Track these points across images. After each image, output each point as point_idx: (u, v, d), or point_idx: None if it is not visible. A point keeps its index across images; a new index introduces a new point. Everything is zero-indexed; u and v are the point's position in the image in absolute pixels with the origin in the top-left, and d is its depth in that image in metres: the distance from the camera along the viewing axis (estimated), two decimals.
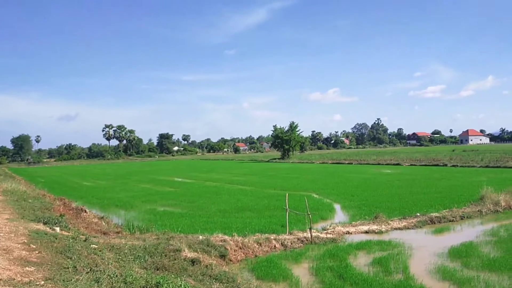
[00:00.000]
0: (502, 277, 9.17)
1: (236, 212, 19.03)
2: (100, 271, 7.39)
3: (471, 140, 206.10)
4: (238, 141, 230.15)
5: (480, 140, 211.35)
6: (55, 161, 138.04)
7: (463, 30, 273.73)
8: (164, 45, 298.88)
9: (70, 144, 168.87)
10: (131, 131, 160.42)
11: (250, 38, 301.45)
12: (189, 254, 10.31)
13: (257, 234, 13.32)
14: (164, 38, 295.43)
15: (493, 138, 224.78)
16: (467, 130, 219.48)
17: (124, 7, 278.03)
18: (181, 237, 12.16)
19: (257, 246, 12.10)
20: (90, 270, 7.37)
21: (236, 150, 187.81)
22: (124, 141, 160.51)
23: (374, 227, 14.96)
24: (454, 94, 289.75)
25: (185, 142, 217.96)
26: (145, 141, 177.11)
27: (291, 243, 12.66)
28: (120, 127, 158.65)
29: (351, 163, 60.45)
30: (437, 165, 48.78)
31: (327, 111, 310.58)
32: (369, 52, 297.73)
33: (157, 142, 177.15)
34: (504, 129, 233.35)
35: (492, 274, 9.40)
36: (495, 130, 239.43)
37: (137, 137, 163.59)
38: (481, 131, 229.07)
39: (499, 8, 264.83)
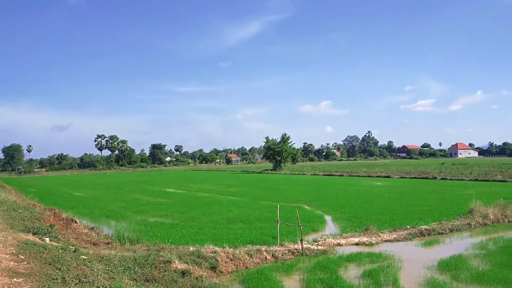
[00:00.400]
0: None
1: (227, 223, 18.99)
2: (89, 282, 7.35)
3: (460, 153, 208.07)
4: (231, 152, 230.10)
5: (469, 153, 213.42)
6: (46, 171, 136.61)
7: (454, 46, 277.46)
8: (159, 56, 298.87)
9: (61, 154, 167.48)
10: (124, 141, 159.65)
11: (243, 51, 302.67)
12: (179, 265, 10.28)
13: (248, 245, 13.32)
14: (159, 49, 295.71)
15: (481, 152, 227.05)
16: (456, 144, 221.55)
17: (119, 17, 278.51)
18: (171, 248, 12.11)
19: (248, 257, 12.09)
20: (79, 281, 7.33)
21: (229, 161, 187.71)
22: (116, 151, 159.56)
23: (364, 239, 15.02)
24: (443, 108, 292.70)
25: (178, 152, 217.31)
26: (137, 152, 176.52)
27: (282, 255, 12.66)
28: (113, 137, 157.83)
29: (342, 175, 60.65)
30: (426, 178, 49.11)
31: (319, 123, 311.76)
32: (360, 66, 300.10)
33: (150, 153, 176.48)
34: (493, 143, 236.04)
35: (481, 287, 9.48)
36: (483, 144, 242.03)
37: (130, 147, 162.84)
38: (470, 144, 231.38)
39: (488, 25, 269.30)
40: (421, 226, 16.64)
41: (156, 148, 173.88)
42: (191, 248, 12.09)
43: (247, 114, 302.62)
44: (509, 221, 18.10)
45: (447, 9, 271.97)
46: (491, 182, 40.68)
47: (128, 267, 9.85)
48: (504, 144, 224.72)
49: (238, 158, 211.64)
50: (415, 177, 50.46)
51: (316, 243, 14.29)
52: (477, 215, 18.11)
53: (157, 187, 45.50)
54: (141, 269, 9.87)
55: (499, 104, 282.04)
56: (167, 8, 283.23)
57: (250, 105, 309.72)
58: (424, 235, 15.71)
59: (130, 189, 43.38)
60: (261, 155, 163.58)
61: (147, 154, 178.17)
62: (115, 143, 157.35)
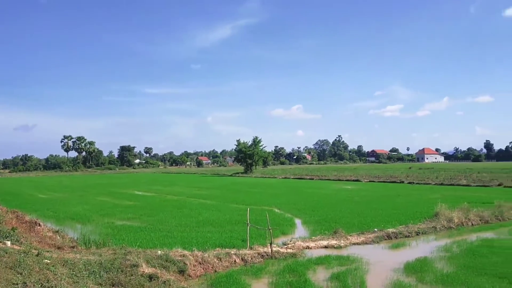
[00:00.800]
0: None
1: (197, 226, 18.81)
2: (52, 287, 7.11)
3: (427, 158, 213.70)
4: (201, 155, 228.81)
5: (435, 158, 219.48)
6: (9, 172, 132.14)
7: (422, 53, 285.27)
8: (128, 57, 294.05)
9: (26, 155, 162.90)
10: (91, 143, 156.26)
11: (216, 54, 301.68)
12: (146, 269, 10.08)
13: (217, 249, 13.21)
14: (128, 50, 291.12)
15: (447, 157, 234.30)
16: (423, 149, 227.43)
17: (90, 18, 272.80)
18: (139, 252, 11.89)
19: (217, 261, 11.98)
20: (41, 286, 7.09)
21: (199, 164, 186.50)
22: (84, 153, 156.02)
23: (333, 242, 15.16)
24: (411, 114, 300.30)
25: (147, 155, 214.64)
26: (105, 153, 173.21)
27: (252, 258, 12.62)
28: (80, 139, 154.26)
29: (313, 179, 61.19)
30: (394, 182, 50.17)
31: (291, 127, 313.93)
32: (332, 70, 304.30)
33: (118, 155, 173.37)
34: (458, 148, 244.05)
35: None
36: (449, 149, 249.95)
37: (97, 149, 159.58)
38: (437, 149, 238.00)
39: (455, 34, 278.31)
40: (389, 229, 16.94)
41: (125, 150, 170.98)
42: (159, 252, 11.89)
43: (219, 117, 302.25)
44: (472, 225, 18.64)
45: (417, 18, 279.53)
46: (456, 186, 41.89)
47: (93, 271, 9.60)
48: (469, 149, 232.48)
49: (209, 161, 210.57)
50: (383, 181, 51.44)
51: (286, 246, 14.32)
52: (442, 218, 18.59)
53: (125, 190, 44.68)
54: (107, 273, 9.64)
55: (464, 111, 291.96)
56: (137, 10, 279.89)
57: (222, 108, 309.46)
58: (391, 238, 16.00)
59: (97, 192, 42.42)
60: (233, 158, 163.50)
61: (116, 156, 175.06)
62: (83, 144, 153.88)
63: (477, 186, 41.17)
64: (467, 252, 13.29)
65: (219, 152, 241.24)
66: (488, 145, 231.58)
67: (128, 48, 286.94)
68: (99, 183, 61.94)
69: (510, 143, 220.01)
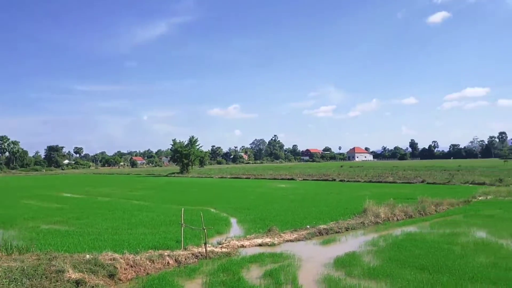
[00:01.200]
0: (380, 284, 9.96)
1: (129, 228, 18.23)
2: None
3: (357, 157, 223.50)
4: (136, 155, 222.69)
5: (365, 157, 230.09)
6: None
7: (354, 55, 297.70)
8: (57, 52, 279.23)
9: None
10: (15, 143, 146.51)
11: (151, 51, 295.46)
12: (73, 275, 9.62)
13: (150, 251, 12.89)
14: (57, 45, 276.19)
15: (376, 155, 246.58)
16: (354, 148, 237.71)
17: (20, 13, 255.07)
18: (65, 256, 11.29)
19: (150, 263, 11.70)
20: None
21: (133, 164, 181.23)
22: (7, 153, 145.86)
23: (267, 240, 15.36)
24: (343, 114, 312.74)
25: (77, 155, 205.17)
26: (31, 154, 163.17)
27: (186, 259, 12.45)
28: (2, 138, 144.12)
29: (249, 178, 61.74)
30: (327, 180, 51.91)
31: (228, 126, 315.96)
32: (267, 71, 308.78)
33: (45, 155, 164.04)
34: (385, 147, 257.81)
35: (371, 281, 10.16)
36: (378, 148, 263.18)
37: (22, 149, 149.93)
38: (366, 148, 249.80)
39: (385, 37, 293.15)
40: (320, 226, 17.47)
41: (53, 150, 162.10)
42: (88, 256, 11.39)
43: (154, 116, 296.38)
44: (397, 219, 19.70)
45: (348, 22, 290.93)
46: (383, 183, 44.17)
47: (14, 278, 9.02)
48: (395, 148, 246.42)
49: (144, 161, 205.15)
50: (316, 179, 53.03)
51: (220, 246, 14.29)
52: (370, 214, 19.50)
53: (52, 192, 42.32)
54: (30, 280, 9.09)
55: (391, 112, 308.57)
56: (68, 5, 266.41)
57: (158, 107, 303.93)
58: (323, 234, 16.52)
59: (21, 195, 39.76)
60: (168, 158, 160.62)
61: (43, 156, 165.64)
62: (5, 144, 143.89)
63: (402, 183, 43.70)
64: (392, 245, 14.03)
65: (154, 152, 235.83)
66: (413, 144, 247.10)
67: (59, 44, 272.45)
68: (24, 185, 58.17)
69: (432, 142, 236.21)
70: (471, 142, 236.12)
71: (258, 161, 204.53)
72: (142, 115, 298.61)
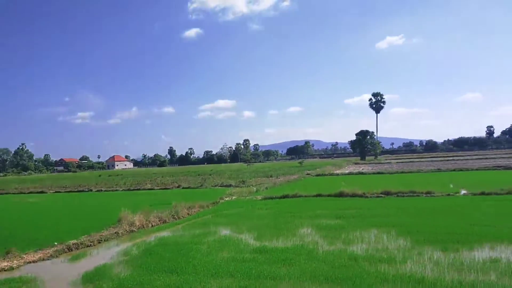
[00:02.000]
0: None
1: None
2: None
3: (117, 165, 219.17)
4: None
5: (125, 165, 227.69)
6: None
7: (112, 61, 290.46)
8: None
9: None
10: None
11: None
12: None
13: None
14: None
15: (136, 163, 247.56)
16: (114, 156, 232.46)
17: None
18: None
19: None
20: None
21: None
22: None
23: (4, 264, 13.35)
24: (103, 121, 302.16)
25: None
26: None
27: None
28: None
29: None
30: (83, 191, 48.78)
31: None
32: (17, 74, 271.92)
33: None
34: (146, 155, 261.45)
35: None
36: (138, 155, 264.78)
37: None
38: (126, 156, 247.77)
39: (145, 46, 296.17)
40: (70, 241, 16.20)
41: None
42: None
43: None
44: (152, 226, 20.02)
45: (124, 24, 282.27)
46: (142, 190, 44.27)
47: None
48: (155, 155, 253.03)
49: None
50: (71, 191, 49.26)
51: None
52: (125, 223, 19.22)
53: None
54: None
55: (152, 120, 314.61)
56: None
57: None
58: (72, 250, 15.39)
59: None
60: None
61: None
62: None
63: (160, 189, 44.75)
64: (145, 252, 14.13)
65: None
66: (171, 151, 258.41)
67: None
68: None
69: (189, 149, 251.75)
70: (221, 148, 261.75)
71: (1, 174, 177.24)
72: None
